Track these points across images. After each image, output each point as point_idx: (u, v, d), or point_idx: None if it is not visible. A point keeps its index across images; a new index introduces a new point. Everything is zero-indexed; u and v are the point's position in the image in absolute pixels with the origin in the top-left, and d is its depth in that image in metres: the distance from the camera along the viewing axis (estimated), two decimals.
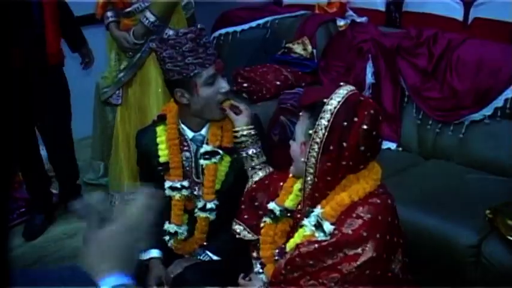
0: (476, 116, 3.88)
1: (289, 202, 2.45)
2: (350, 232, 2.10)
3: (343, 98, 2.16)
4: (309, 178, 2.22)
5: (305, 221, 2.25)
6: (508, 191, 3.43)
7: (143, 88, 4.00)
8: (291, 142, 2.35)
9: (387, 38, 4.37)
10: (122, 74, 4.08)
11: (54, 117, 4.26)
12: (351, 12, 5.03)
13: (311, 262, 2.14)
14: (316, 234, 2.19)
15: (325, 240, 2.14)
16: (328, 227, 2.15)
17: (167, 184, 2.86)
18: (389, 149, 4.17)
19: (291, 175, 2.48)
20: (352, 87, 2.24)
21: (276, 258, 2.40)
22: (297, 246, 2.20)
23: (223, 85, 2.70)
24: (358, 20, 4.84)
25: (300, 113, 2.33)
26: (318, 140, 2.15)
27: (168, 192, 2.86)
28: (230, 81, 4.48)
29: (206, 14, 5.19)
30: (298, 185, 2.42)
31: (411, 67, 4.19)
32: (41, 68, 3.99)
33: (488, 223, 3.10)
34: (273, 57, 4.83)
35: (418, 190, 3.49)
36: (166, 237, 2.90)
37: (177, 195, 2.86)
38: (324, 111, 2.15)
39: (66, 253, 4.05)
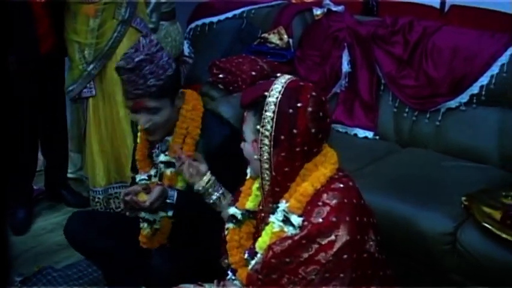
0: (452, 104, 3.88)
1: (250, 204, 2.45)
2: (320, 221, 2.09)
3: (282, 87, 2.17)
4: (265, 175, 2.23)
5: (272, 218, 2.24)
6: (484, 178, 3.45)
7: (115, 80, 3.82)
8: (241, 145, 2.35)
9: (363, 27, 4.36)
10: (91, 66, 4.00)
11: (48, 107, 4.27)
12: (327, 1, 5.00)
13: (287, 260, 2.12)
14: (286, 229, 2.18)
15: (296, 235, 2.13)
16: (296, 219, 2.15)
17: (138, 178, 3.01)
18: (366, 137, 4.19)
19: (248, 177, 2.47)
20: (289, 76, 2.26)
21: (246, 258, 2.39)
22: (270, 247, 2.18)
23: None
24: (334, 8, 4.80)
25: (244, 114, 2.33)
26: (267, 133, 2.16)
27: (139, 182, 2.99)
28: (206, 73, 4.51)
29: (184, 5, 5.18)
30: (256, 185, 2.43)
31: (387, 55, 4.19)
32: (36, 62, 4.00)
33: (464, 210, 3.10)
34: (249, 47, 4.81)
35: (395, 178, 3.49)
36: (144, 225, 2.94)
37: (147, 182, 2.96)
38: (267, 104, 2.16)
39: (46, 248, 4.02)
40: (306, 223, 2.12)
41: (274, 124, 2.14)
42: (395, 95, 4.13)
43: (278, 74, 2.30)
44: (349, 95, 4.33)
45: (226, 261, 2.54)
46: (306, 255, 2.10)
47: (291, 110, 2.13)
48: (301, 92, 2.16)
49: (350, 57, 4.33)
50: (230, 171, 2.76)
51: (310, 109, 2.13)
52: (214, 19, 5.20)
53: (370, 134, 4.19)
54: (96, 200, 4.20)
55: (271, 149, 2.17)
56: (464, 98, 3.84)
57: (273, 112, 2.14)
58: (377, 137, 4.19)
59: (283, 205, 2.19)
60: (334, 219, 2.08)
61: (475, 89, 3.80)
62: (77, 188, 4.68)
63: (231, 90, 4.31)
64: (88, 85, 4.05)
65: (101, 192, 4.18)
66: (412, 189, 3.36)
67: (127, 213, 2.80)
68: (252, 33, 4.94)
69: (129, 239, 2.99)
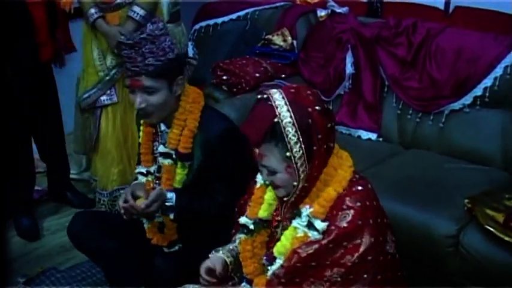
0: (456, 105, 3.88)
1: (263, 212, 2.40)
2: (346, 225, 2.11)
3: (286, 104, 2.11)
4: (300, 185, 2.18)
5: (294, 223, 2.24)
6: (487, 180, 3.44)
7: None
8: (272, 178, 2.23)
9: (367, 28, 4.36)
10: (114, 71, 3.99)
11: (46, 113, 4.25)
12: (332, 3, 5.00)
13: (313, 264, 2.14)
14: (309, 234, 2.18)
15: (323, 239, 2.13)
16: (320, 224, 2.15)
17: (137, 169, 3.08)
18: (369, 139, 4.19)
19: (258, 185, 2.44)
20: (275, 90, 2.19)
21: (264, 263, 2.37)
22: (295, 251, 2.17)
23: None
24: (339, 10, 4.80)
25: (257, 151, 2.19)
26: (300, 154, 2.11)
27: (139, 176, 3.05)
28: (210, 74, 4.52)
29: (189, 6, 5.18)
30: (270, 194, 2.38)
31: (390, 57, 4.19)
32: (32, 67, 3.99)
33: (467, 213, 3.10)
34: (253, 49, 4.81)
35: (398, 180, 3.49)
36: (143, 220, 2.99)
37: (144, 179, 3.03)
38: (285, 128, 2.09)
39: (49, 249, 4.02)
40: (332, 227, 2.13)
41: (302, 142, 2.09)
42: (399, 97, 4.13)
43: (258, 97, 2.22)
44: (352, 96, 4.32)
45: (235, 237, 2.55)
46: (331, 258, 2.12)
47: (309, 120, 2.09)
48: (302, 98, 2.13)
49: (354, 58, 4.32)
50: (229, 165, 2.80)
51: (318, 107, 2.12)
52: (219, 20, 5.21)
53: (373, 136, 4.19)
54: (102, 202, 4.20)
55: (307, 166, 2.14)
56: (467, 99, 3.83)
57: (296, 132, 2.08)
58: (380, 139, 4.19)
59: (306, 210, 2.19)
60: (359, 222, 2.11)
61: (478, 91, 3.80)
62: (81, 189, 4.67)
63: (235, 91, 4.33)
64: (109, 91, 4.05)
65: (106, 195, 4.18)
66: (415, 191, 3.36)
67: (125, 217, 2.83)
68: (255, 34, 4.95)
69: (132, 239, 3.02)
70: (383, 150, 4.01)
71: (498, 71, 3.75)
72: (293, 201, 2.25)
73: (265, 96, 2.17)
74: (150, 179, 3.03)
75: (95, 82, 4.05)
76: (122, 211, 2.83)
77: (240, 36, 4.96)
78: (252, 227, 2.43)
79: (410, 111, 4.07)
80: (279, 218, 2.38)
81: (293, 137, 2.09)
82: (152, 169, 3.03)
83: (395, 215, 3.17)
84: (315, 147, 2.11)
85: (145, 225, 3.00)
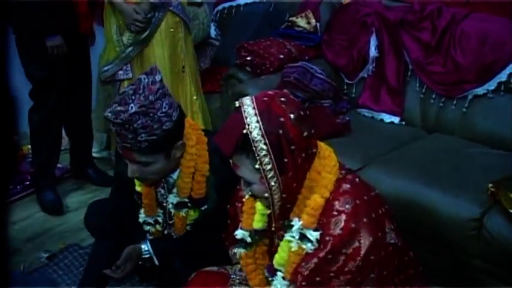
0: (480, 91, 3.87)
1: (258, 224, 2.33)
2: (340, 231, 2.06)
3: (255, 114, 2.02)
4: (276, 197, 2.11)
5: (287, 236, 2.19)
6: (510, 165, 3.43)
7: (152, 63, 3.86)
8: (250, 189, 2.17)
9: (391, 12, 4.35)
10: (130, 49, 4.06)
11: (78, 87, 4.32)
12: None
13: (318, 279, 2.10)
14: (304, 246, 2.13)
15: (320, 251, 2.09)
16: (312, 234, 2.10)
17: (141, 218, 2.87)
18: (392, 122, 4.19)
19: (247, 197, 2.31)
20: (245, 98, 2.10)
21: (266, 276, 2.35)
22: (297, 271, 2.14)
23: None
24: None
25: (231, 161, 2.14)
26: (269, 166, 2.03)
27: (145, 227, 2.88)
28: (234, 55, 4.53)
29: None
30: (259, 205, 2.29)
31: (415, 41, 4.18)
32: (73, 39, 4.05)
33: (491, 197, 3.11)
34: (277, 30, 4.81)
35: (421, 164, 3.49)
36: (147, 227, 2.89)
37: (151, 229, 2.88)
38: (254, 141, 2.01)
39: (70, 227, 4.06)
40: (327, 238, 2.08)
41: (272, 154, 2.01)
42: (423, 81, 4.12)
43: (236, 104, 2.12)
44: (376, 80, 4.32)
45: (234, 250, 2.50)
46: (334, 268, 2.08)
47: (280, 131, 2.00)
48: (275, 107, 2.04)
49: (378, 42, 4.32)
50: None
51: (293, 115, 2.02)
52: (242, 2, 5.22)
53: (396, 120, 4.19)
54: None
55: (279, 177, 2.05)
56: (491, 85, 3.83)
57: (265, 144, 2.00)
58: (403, 123, 4.18)
59: (297, 223, 2.14)
60: (353, 225, 2.05)
61: (503, 76, 3.79)
62: (102, 167, 4.71)
63: (259, 73, 4.33)
64: (125, 67, 4.08)
65: None
66: (438, 175, 3.36)
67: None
68: (279, 16, 4.94)
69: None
70: (406, 134, 4.01)
71: None
72: (280, 212, 2.17)
73: (237, 105, 2.09)
74: (159, 228, 2.87)
75: (113, 57, 4.13)
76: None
77: (263, 18, 4.96)
78: (249, 240, 2.37)
79: (434, 96, 4.07)
80: (273, 228, 2.32)
81: (261, 149, 2.01)
82: (159, 218, 2.85)
83: (417, 198, 3.23)
84: (286, 159, 2.02)
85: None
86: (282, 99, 2.05)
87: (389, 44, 4.29)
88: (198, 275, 2.55)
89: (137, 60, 4.09)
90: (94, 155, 4.77)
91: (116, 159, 2.96)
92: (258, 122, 2.01)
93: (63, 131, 4.49)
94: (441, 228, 3.19)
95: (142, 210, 2.84)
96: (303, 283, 2.12)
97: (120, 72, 4.11)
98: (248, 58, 4.38)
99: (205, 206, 2.74)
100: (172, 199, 2.74)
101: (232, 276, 2.51)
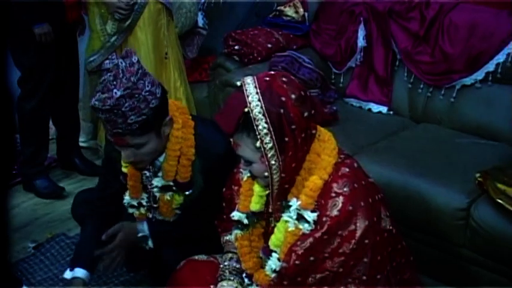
0: (468, 81, 3.88)
1: (255, 205, 2.34)
2: (337, 213, 2.09)
3: (257, 93, 2.05)
4: (275, 177, 2.13)
5: (285, 217, 2.20)
6: (498, 155, 3.45)
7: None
8: (249, 168, 2.21)
9: (379, 1, 4.33)
10: (114, 38, 4.07)
11: (66, 76, 4.32)
12: None
13: (312, 258, 2.12)
14: (301, 226, 2.14)
15: (316, 231, 2.11)
16: (310, 215, 2.12)
17: (126, 200, 2.84)
18: (380, 112, 4.20)
19: (245, 178, 2.36)
20: (248, 77, 2.12)
21: (261, 257, 2.35)
22: (292, 250, 2.15)
23: None
24: None
25: (232, 140, 2.17)
26: (270, 145, 2.05)
27: (129, 209, 2.87)
28: (221, 44, 4.51)
29: None
30: (257, 187, 2.31)
31: (403, 31, 4.17)
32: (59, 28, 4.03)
33: (478, 186, 3.10)
34: (265, 20, 4.80)
35: (409, 153, 3.49)
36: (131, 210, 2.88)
37: (135, 212, 2.86)
38: (255, 119, 2.04)
39: (57, 216, 4.06)
40: (324, 218, 2.10)
41: (273, 133, 2.04)
42: (411, 71, 4.12)
43: (238, 83, 2.13)
44: (364, 69, 4.33)
45: (226, 238, 2.53)
46: (329, 249, 2.10)
47: (281, 110, 2.03)
48: (276, 86, 2.06)
49: (366, 32, 4.31)
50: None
51: (294, 96, 2.05)
52: None
53: (384, 109, 4.20)
54: None
55: (280, 157, 2.08)
56: (479, 75, 3.83)
57: (266, 122, 2.03)
58: (391, 112, 4.19)
59: (294, 203, 2.15)
60: (350, 207, 2.08)
61: (490, 66, 3.79)
62: (89, 156, 4.70)
63: (246, 62, 4.32)
64: (110, 56, 4.07)
65: None
66: (426, 165, 3.36)
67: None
68: (267, 5, 4.92)
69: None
70: (394, 124, 4.02)
71: (511, 47, 3.73)
72: (278, 192, 2.18)
73: (238, 83, 2.12)
74: (142, 211, 2.86)
75: (98, 47, 4.14)
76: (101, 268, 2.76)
77: (251, 8, 4.94)
78: (246, 221, 2.37)
79: (422, 86, 4.07)
80: (271, 210, 2.33)
81: (262, 128, 2.04)
82: (143, 201, 2.84)
83: (405, 188, 3.23)
84: (286, 139, 2.05)
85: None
86: (284, 79, 2.09)
87: (378, 33, 4.28)
88: (188, 263, 2.55)
89: (122, 49, 4.06)
90: (81, 144, 4.76)
91: (105, 141, 2.94)
92: (259, 100, 2.04)
93: (50, 121, 4.47)
94: (429, 218, 3.19)
95: (127, 193, 2.83)
96: (297, 262, 2.13)
97: (107, 61, 4.11)
98: (236, 47, 4.37)
99: (190, 191, 2.73)
100: (158, 182, 2.74)
101: (222, 265, 2.50)
